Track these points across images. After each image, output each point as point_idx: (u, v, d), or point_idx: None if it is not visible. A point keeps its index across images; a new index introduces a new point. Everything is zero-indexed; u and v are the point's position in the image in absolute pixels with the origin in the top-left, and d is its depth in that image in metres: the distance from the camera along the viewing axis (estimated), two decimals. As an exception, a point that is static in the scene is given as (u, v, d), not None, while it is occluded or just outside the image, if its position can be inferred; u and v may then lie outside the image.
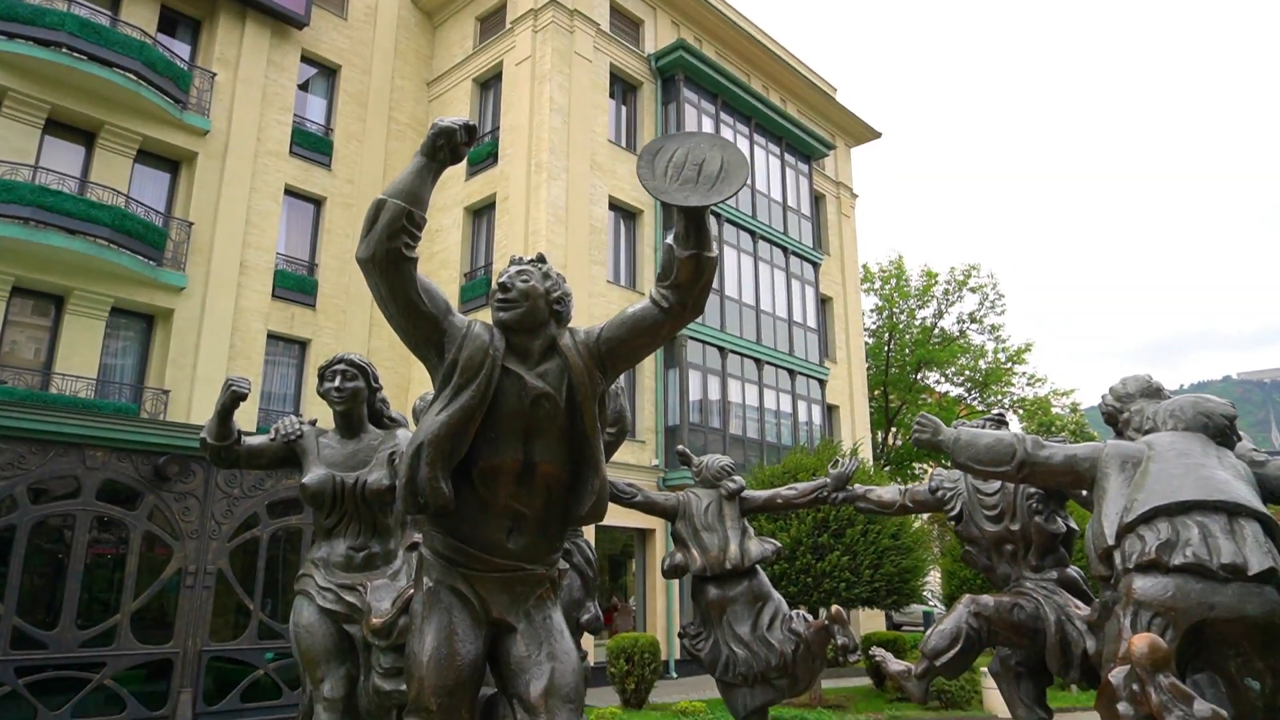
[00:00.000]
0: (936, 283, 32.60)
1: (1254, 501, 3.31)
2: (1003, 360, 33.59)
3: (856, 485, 6.12)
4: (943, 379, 34.45)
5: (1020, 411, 34.20)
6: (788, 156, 23.55)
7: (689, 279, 2.91)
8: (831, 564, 11.85)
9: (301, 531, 12.01)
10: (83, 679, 9.65)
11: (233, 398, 4.11)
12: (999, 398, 34.04)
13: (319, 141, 19.05)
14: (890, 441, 31.91)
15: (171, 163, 17.01)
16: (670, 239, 2.95)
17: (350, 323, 18.41)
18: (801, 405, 21.98)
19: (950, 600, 15.27)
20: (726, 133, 21.47)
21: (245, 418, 16.01)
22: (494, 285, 3.18)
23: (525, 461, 3.02)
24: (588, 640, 11.82)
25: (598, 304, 17.45)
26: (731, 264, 20.59)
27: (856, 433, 24.10)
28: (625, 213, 19.58)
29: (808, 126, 24.15)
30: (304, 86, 19.40)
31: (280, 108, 18.34)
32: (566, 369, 3.08)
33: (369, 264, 2.86)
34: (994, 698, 12.17)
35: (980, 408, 34.39)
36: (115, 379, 15.86)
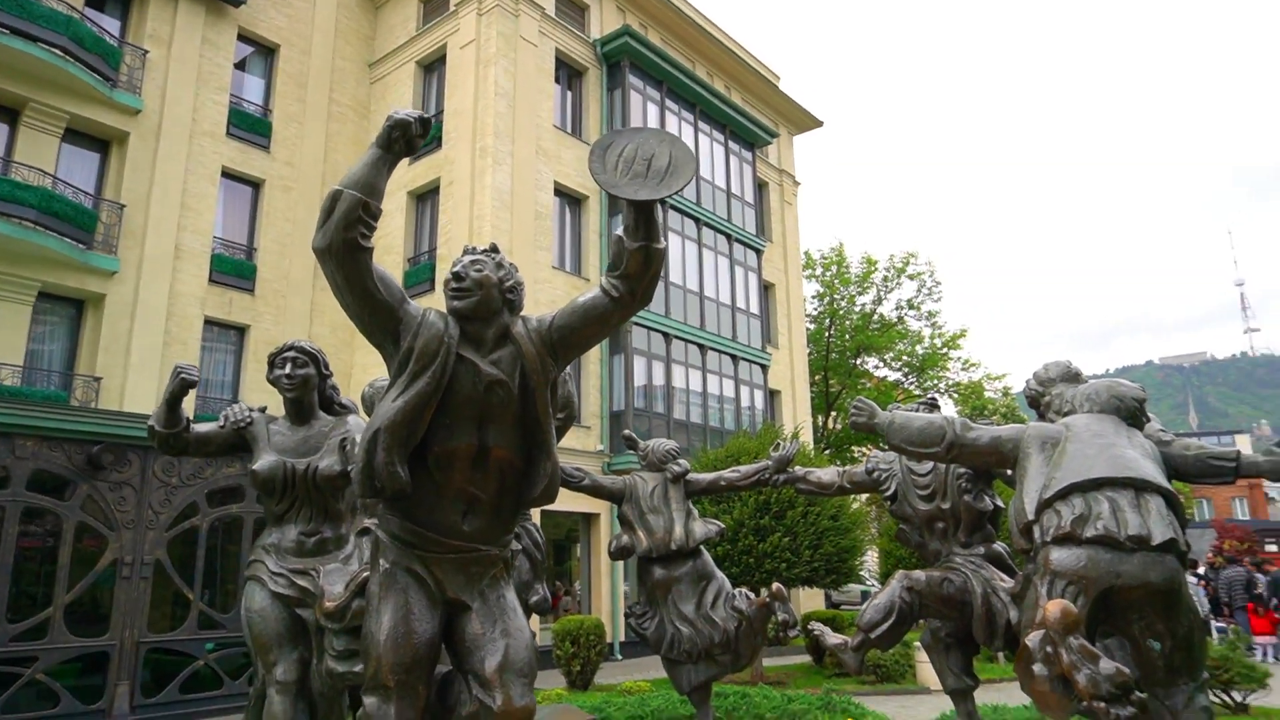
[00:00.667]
0: (876, 269, 33.31)
1: (1159, 478, 3.58)
2: (939, 346, 34.48)
3: (797, 468, 6.34)
4: (881, 364, 35.25)
5: (955, 396, 35.16)
6: (732, 144, 23.78)
7: (638, 270, 3.04)
8: (773, 545, 12.15)
9: (242, 520, 11.86)
10: (13, 674, 9.43)
11: (182, 385, 4.11)
12: (935, 382, 34.96)
13: (257, 123, 18.60)
14: (830, 425, 32.57)
15: (101, 143, 16.44)
16: (620, 231, 3.06)
17: (290, 308, 18.09)
18: (744, 390, 22.33)
19: (886, 579, 15.77)
20: (671, 120, 21.60)
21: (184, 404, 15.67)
22: (448, 275, 3.26)
23: (479, 446, 3.12)
24: (534, 623, 11.93)
25: (543, 290, 17.46)
26: (676, 251, 20.75)
27: (798, 417, 24.57)
28: (570, 198, 19.59)
29: (751, 114, 24.40)
30: (241, 66, 18.90)
31: (216, 87, 17.85)
32: (520, 356, 3.18)
33: (326, 254, 2.92)
34: (926, 670, 12.63)
35: (917, 392, 35.27)
36: (43, 366, 15.35)
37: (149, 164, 16.45)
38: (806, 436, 22.69)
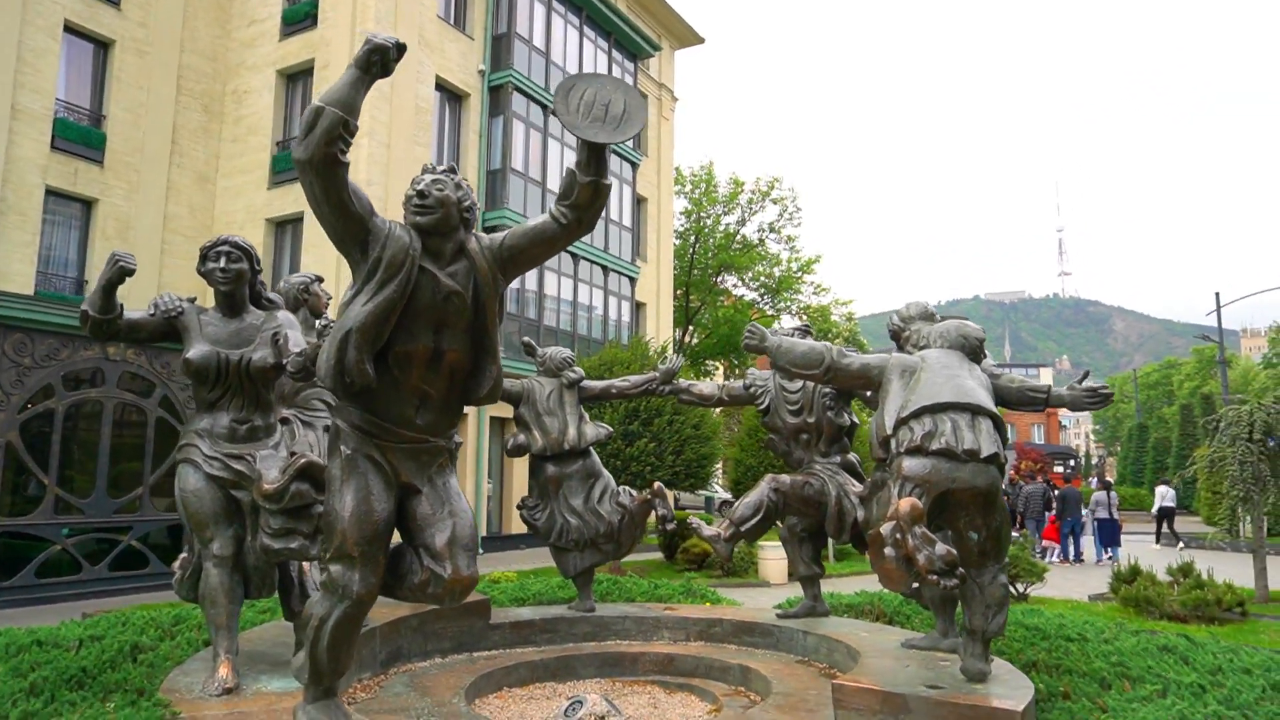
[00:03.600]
0: (742, 191, 34.30)
1: (989, 404, 4.40)
2: (794, 269, 36.16)
3: (681, 380, 6.98)
4: (740, 283, 36.67)
5: (804, 318, 37.14)
6: (615, 54, 23.65)
7: (587, 201, 3.45)
8: (639, 449, 12.98)
9: (102, 405, 11.49)
10: None
11: (119, 272, 4.17)
12: (788, 304, 36.79)
13: (104, -26, 16.92)
14: (687, 340, 33.86)
15: (-82, -22, 14.58)
16: (574, 165, 3.46)
17: (145, 184, 16.92)
18: (613, 301, 22.92)
19: (735, 485, 17.08)
20: (558, 22, 21.23)
21: (23, 280, 14.62)
22: (410, 192, 3.56)
23: (435, 349, 3.50)
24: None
25: (364, 192, 17.18)
26: (556, 158, 20.74)
27: (661, 330, 25.50)
28: (451, 95, 19.10)
29: (636, 24, 24.27)
30: (84, -94, 16.99)
31: (56, -72, 16.04)
32: (473, 270, 3.55)
33: (307, 165, 3.16)
34: (766, 566, 14.04)
35: (771, 313, 37.12)
36: None
37: (-22, 10, 14.76)
38: (667, 347, 23.66)
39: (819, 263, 36.25)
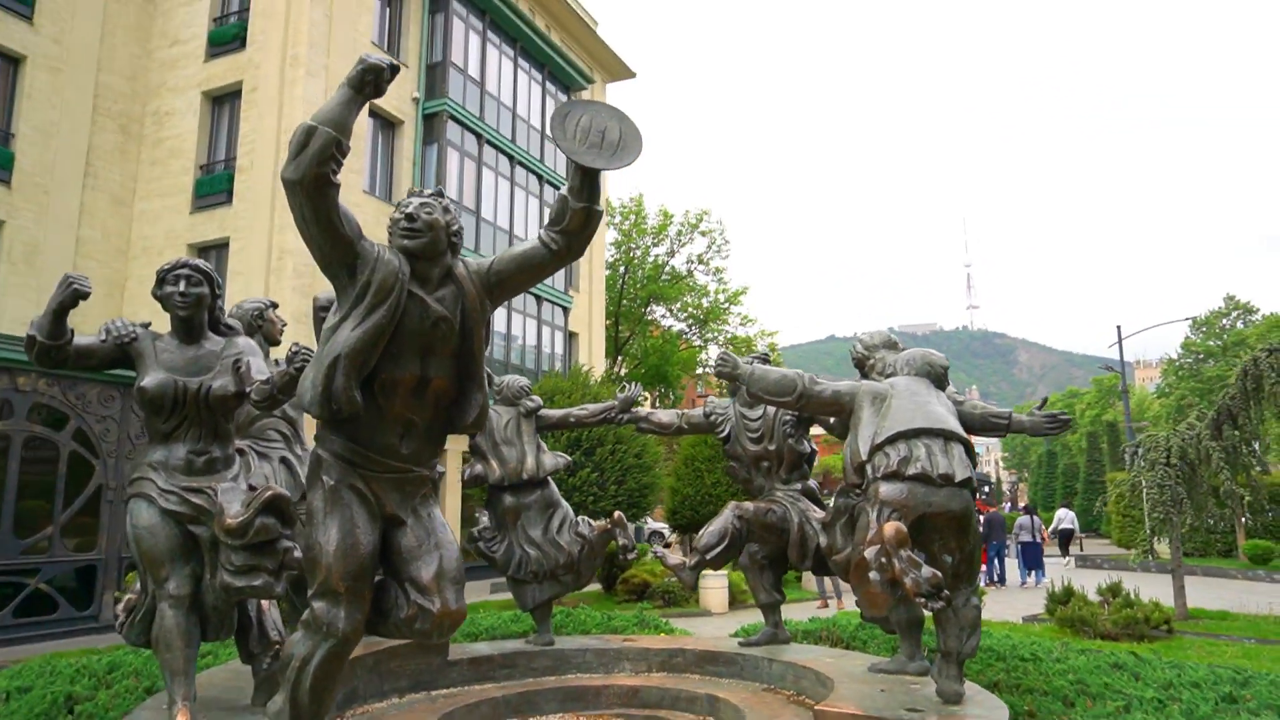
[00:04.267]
0: (671, 223, 34.71)
1: (960, 430, 4.52)
2: (722, 301, 36.69)
3: (639, 408, 6.96)
4: (668, 314, 36.99)
5: (729, 347, 37.60)
6: (549, 85, 23.77)
7: (579, 227, 3.43)
8: (582, 479, 12.86)
9: (9, 439, 10.79)
10: None
11: (73, 296, 3.94)
12: (715, 334, 37.25)
13: (15, -13, 16.17)
14: (616, 370, 33.90)
15: None
16: (565, 191, 3.43)
17: (55, 207, 16.07)
18: (545, 330, 22.80)
19: (673, 514, 17.07)
20: (492, 53, 21.24)
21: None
22: (398, 215, 3.47)
23: (421, 376, 3.40)
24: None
25: (354, 213, 16.80)
26: (490, 187, 20.64)
27: (594, 359, 25.46)
28: (385, 122, 18.82)
29: (570, 57, 24.47)
30: (-5, -83, 16.26)
31: (-37, -62, 15.30)
32: (461, 295, 3.48)
33: (297, 186, 3.05)
34: (707, 596, 14.03)
35: (698, 343, 37.51)
36: None
37: (-125, 19, 13.90)
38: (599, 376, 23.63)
39: (746, 294, 36.88)
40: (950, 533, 4.33)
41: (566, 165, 3.40)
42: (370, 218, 17.35)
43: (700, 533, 6.06)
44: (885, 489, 4.27)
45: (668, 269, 35.02)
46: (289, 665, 3.26)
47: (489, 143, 20.69)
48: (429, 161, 18.98)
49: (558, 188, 23.80)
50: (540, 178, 22.95)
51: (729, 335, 37.60)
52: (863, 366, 5.45)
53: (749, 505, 6.13)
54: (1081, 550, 22.08)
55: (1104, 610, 9.37)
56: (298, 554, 4.19)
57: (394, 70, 3.22)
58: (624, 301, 33.92)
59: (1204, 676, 5.34)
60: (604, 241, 28.85)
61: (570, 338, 24.79)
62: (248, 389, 4.10)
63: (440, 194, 3.60)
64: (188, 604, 4.09)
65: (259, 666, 4.37)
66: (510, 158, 21.61)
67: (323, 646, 3.22)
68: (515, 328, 21.40)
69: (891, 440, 4.41)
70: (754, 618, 12.78)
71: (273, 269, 15.92)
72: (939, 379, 4.93)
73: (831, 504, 5.83)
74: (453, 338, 3.46)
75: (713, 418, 6.56)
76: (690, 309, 36.49)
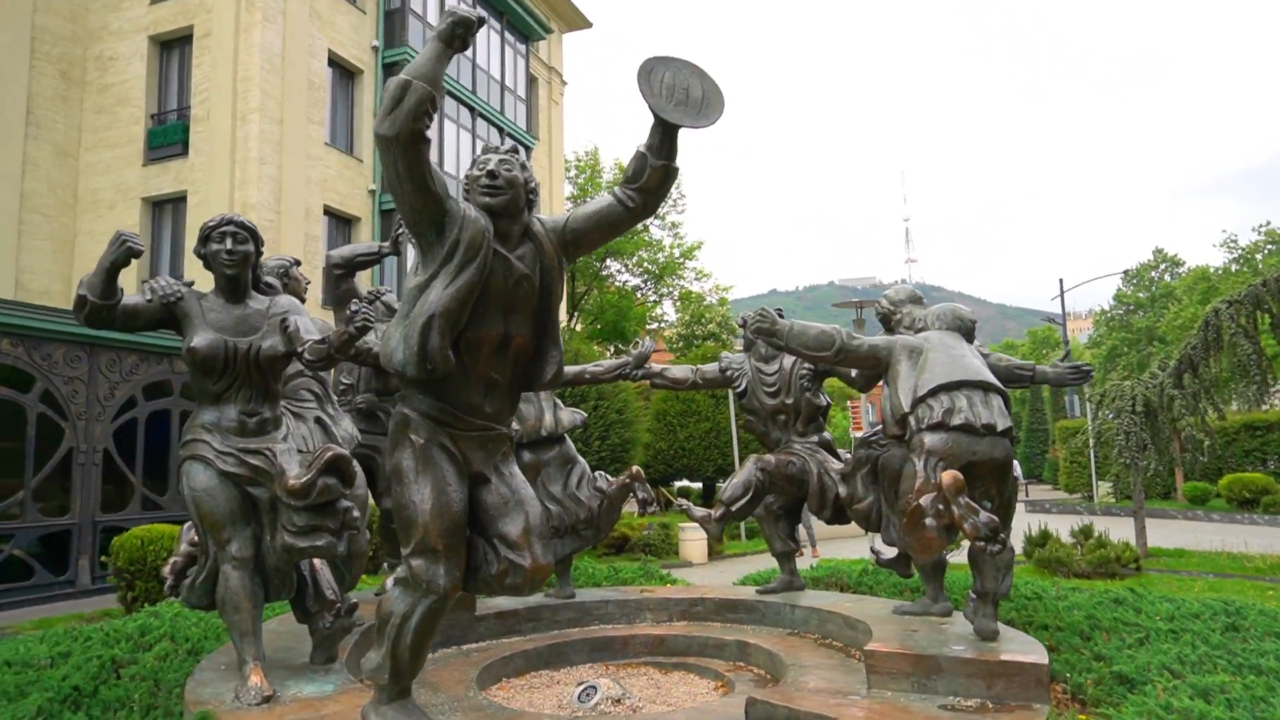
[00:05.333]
0: (628, 177, 34.33)
1: (996, 382, 4.69)
2: (677, 255, 36.71)
3: (653, 364, 7.01)
4: (624, 269, 36.88)
5: (680, 303, 37.59)
6: (508, 35, 23.22)
7: (657, 185, 3.44)
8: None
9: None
10: None
11: (126, 254, 3.82)
12: (670, 289, 37.32)
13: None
14: (572, 325, 33.78)
15: None
16: (643, 148, 3.42)
17: (-4, 158, 15.27)
18: (509, 287, 22.53)
19: (645, 467, 17.25)
20: (451, 1, 20.61)
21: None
22: (477, 172, 3.43)
23: (504, 335, 3.41)
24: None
25: (315, 167, 16.36)
26: (451, 140, 20.20)
27: (556, 316, 25.28)
28: (344, 70, 18.21)
29: (528, 5, 23.89)
30: None
31: None
32: (540, 254, 3.48)
33: (392, 141, 3.00)
34: (687, 548, 14.31)
35: (654, 298, 37.56)
36: None
37: None
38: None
39: (700, 249, 36.95)
40: (991, 480, 4.51)
41: (655, 124, 3.34)
42: (333, 172, 16.90)
43: (725, 485, 6.19)
44: (931, 439, 4.43)
45: (624, 223, 34.72)
46: (388, 623, 3.28)
47: (450, 93, 20.18)
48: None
49: (520, 142, 23.44)
50: (501, 130, 22.52)
51: (683, 289, 37.71)
52: (889, 321, 5.58)
53: (770, 458, 6.27)
54: (1028, 495, 23.03)
55: (1078, 551, 9.87)
56: (356, 514, 4.21)
57: (481, 22, 3.17)
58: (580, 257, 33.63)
59: (1199, 609, 5.69)
60: (563, 195, 28.51)
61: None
62: (300, 349, 4.05)
63: (515, 150, 3.58)
64: (250, 565, 4.08)
65: (317, 625, 4.38)
66: (471, 109, 21.14)
67: (423, 603, 3.26)
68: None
69: (933, 392, 4.56)
70: (734, 567, 13.12)
71: (234, 224, 15.40)
72: (969, 333, 5.09)
73: (852, 455, 6.03)
74: (533, 296, 3.47)
75: (729, 373, 6.65)
76: (645, 264, 36.44)
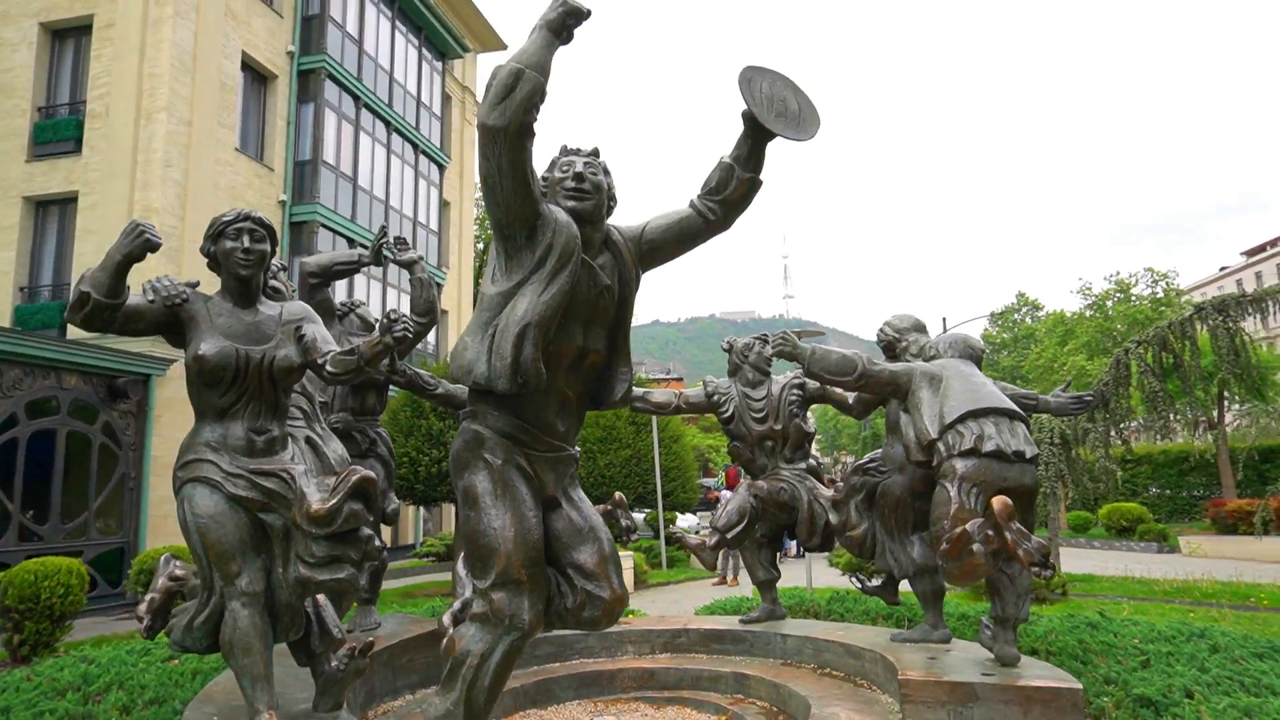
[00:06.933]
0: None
1: (1016, 409, 4.76)
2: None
3: (636, 388, 6.84)
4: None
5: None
6: (425, 51, 22.70)
7: (741, 197, 3.33)
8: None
9: None
10: None
11: (142, 248, 3.37)
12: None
13: None
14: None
15: None
16: (729, 158, 3.30)
17: None
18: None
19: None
20: (370, 11, 20.00)
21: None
22: (562, 175, 3.22)
23: (581, 348, 3.20)
24: (386, 533, 10.97)
25: (224, 173, 15.39)
26: (366, 153, 19.48)
27: (464, 339, 24.68)
28: (258, 74, 17.28)
29: (446, 22, 23.46)
30: None
31: None
32: (619, 264, 3.30)
33: (500, 133, 2.77)
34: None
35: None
36: None
37: None
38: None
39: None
40: (1019, 505, 4.55)
41: (745, 129, 3.22)
42: (242, 179, 15.97)
43: (718, 513, 6.06)
44: (964, 465, 4.44)
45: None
46: (464, 664, 2.97)
47: (366, 106, 19.51)
48: (304, 121, 17.65)
49: (434, 160, 22.88)
50: (416, 146, 21.92)
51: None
52: (893, 349, 5.61)
53: (763, 484, 6.18)
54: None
55: (1009, 577, 10.20)
56: (379, 543, 3.84)
57: (589, 14, 2.99)
58: (485, 280, 33.07)
59: (1170, 632, 5.92)
60: (473, 217, 27.97)
61: (441, 315, 23.92)
62: (319, 360, 3.70)
63: (597, 153, 3.39)
64: (262, 601, 3.63)
65: (324, 667, 3.95)
66: (388, 124, 20.49)
67: (504, 640, 2.98)
68: (391, 300, 20.39)
69: (962, 419, 4.58)
70: (666, 596, 12.94)
71: (132, 230, 14.29)
72: (979, 360, 5.17)
73: (844, 482, 6.01)
74: (611, 308, 3.28)
75: (715, 397, 6.55)
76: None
